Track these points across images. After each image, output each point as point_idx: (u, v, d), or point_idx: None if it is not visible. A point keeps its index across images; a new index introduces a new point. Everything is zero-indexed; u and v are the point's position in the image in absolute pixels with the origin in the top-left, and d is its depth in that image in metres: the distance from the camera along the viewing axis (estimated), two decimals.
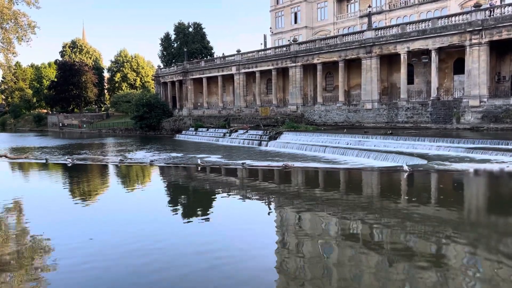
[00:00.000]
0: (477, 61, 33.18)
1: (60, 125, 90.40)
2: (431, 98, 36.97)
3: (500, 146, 22.92)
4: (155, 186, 20.67)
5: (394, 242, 10.02)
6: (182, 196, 17.55)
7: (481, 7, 33.41)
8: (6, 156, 33.18)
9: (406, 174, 18.84)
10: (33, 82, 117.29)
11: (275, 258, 9.23)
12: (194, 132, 51.56)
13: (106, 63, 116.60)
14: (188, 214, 14.25)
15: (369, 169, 21.29)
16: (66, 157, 30.42)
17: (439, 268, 8.14)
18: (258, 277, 8.21)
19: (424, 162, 21.22)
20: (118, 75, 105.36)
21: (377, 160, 23.49)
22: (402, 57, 38.11)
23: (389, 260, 8.73)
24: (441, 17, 36.78)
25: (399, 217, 12.17)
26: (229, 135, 43.72)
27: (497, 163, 19.62)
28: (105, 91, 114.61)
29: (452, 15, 35.99)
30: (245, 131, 42.99)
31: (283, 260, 9.08)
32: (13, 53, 32.27)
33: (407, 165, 19.73)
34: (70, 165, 27.24)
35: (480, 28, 32.40)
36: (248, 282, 8.00)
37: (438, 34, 35.13)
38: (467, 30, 33.09)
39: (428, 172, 19.37)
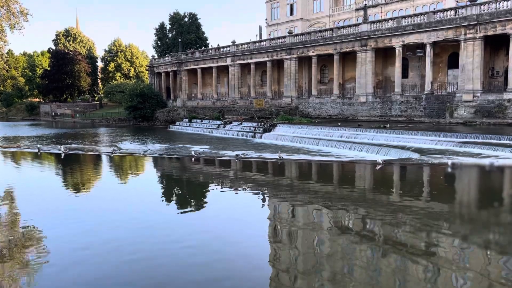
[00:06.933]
0: (472, 55, 33.31)
1: (53, 114, 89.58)
2: (425, 92, 37.11)
3: (491, 141, 23.10)
4: (148, 176, 20.66)
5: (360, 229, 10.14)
6: (175, 187, 17.56)
7: (476, 2, 33.45)
8: None
9: (379, 167, 19.35)
10: (26, 71, 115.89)
11: (267, 249, 9.30)
12: (188, 123, 51.38)
13: (99, 52, 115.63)
14: (180, 205, 14.29)
15: (358, 162, 21.50)
16: (59, 146, 30.22)
17: (429, 259, 8.25)
18: (251, 269, 8.27)
19: (417, 155, 21.39)
20: (112, 64, 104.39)
21: (369, 153, 23.65)
22: (397, 50, 38.15)
23: (380, 250, 8.83)
24: (436, 11, 36.81)
25: (372, 207, 12.32)
26: (223, 127, 43.64)
27: (487, 157, 19.78)
28: (99, 80, 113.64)
29: (447, 9, 36.02)
30: (239, 123, 42.92)
31: (276, 252, 9.15)
32: (4, 42, 31.86)
33: (381, 159, 20.48)
34: (63, 155, 27.08)
35: (475, 22, 32.47)
36: (241, 274, 8.06)
37: (433, 28, 35.17)
38: (462, 24, 33.15)
39: (401, 165, 20.13)
